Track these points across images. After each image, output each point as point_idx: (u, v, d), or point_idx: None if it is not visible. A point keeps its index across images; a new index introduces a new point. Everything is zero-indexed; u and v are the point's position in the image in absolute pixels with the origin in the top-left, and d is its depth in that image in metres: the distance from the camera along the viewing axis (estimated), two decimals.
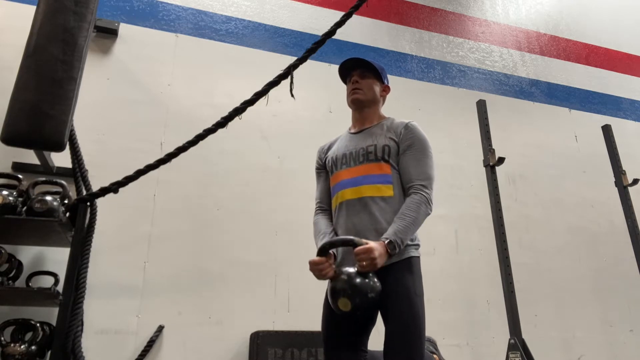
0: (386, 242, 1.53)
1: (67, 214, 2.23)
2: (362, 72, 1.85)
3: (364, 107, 1.84)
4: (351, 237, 1.56)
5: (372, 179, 1.69)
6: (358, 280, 1.48)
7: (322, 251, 1.58)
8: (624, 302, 3.79)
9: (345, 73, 1.91)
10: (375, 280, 1.50)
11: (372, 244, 1.50)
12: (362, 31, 3.99)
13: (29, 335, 2.14)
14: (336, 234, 1.74)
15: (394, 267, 1.59)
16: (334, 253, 1.66)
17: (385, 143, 1.72)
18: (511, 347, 2.71)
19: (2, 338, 2.11)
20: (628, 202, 3.46)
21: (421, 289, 1.60)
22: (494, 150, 3.20)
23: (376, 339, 1.65)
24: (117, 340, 2.53)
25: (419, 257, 1.67)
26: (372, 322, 1.68)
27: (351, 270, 1.51)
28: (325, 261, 1.57)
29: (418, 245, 1.68)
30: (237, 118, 2.28)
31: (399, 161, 1.71)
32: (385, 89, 1.91)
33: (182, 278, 2.78)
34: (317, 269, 1.57)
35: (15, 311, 2.32)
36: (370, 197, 1.67)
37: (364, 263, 1.48)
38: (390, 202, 1.67)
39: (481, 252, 3.52)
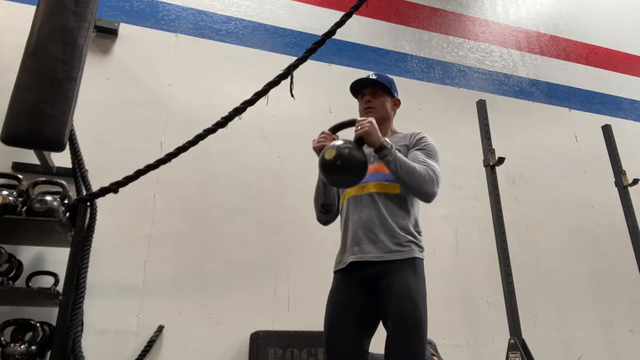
0: (384, 139, 1.64)
1: (67, 214, 2.23)
2: (374, 90, 1.90)
3: (377, 124, 1.89)
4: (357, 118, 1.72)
5: (380, 177, 1.74)
6: (349, 141, 1.63)
7: (332, 130, 1.77)
8: (624, 302, 3.79)
9: (357, 89, 1.95)
10: (364, 152, 1.63)
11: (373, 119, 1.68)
12: (362, 31, 3.99)
13: (29, 335, 2.14)
14: (343, 230, 1.79)
15: (398, 266, 1.60)
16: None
17: (396, 148, 1.76)
18: (511, 347, 2.71)
19: (2, 338, 2.11)
20: (628, 202, 3.46)
21: (424, 291, 1.61)
22: (494, 150, 3.20)
23: (377, 340, 1.65)
24: (117, 340, 2.53)
25: (422, 259, 1.69)
26: (375, 325, 1.68)
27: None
28: (330, 134, 1.75)
29: (422, 248, 1.71)
30: (237, 118, 2.28)
31: (408, 155, 1.76)
32: (396, 103, 1.97)
33: (182, 278, 2.78)
34: (320, 136, 1.75)
35: (15, 311, 2.32)
36: (377, 192, 1.72)
37: (359, 126, 1.64)
38: (396, 199, 1.72)
39: (481, 252, 3.52)
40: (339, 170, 1.60)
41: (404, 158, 1.66)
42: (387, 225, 1.66)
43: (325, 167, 1.60)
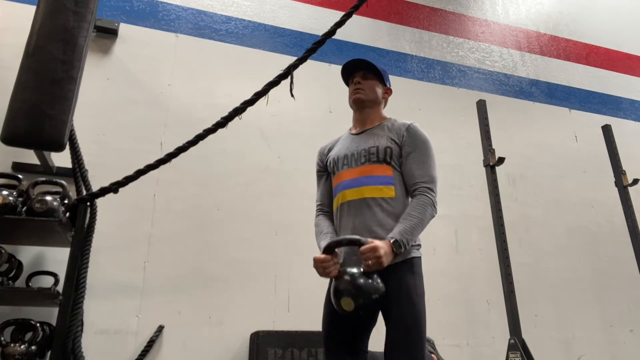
0: (392, 241, 1.53)
1: (67, 214, 2.23)
2: (365, 74, 1.86)
3: (365, 107, 1.85)
4: (357, 237, 1.55)
5: (374, 180, 1.70)
6: (362, 280, 1.48)
7: (328, 249, 1.59)
8: (624, 302, 3.79)
9: (348, 74, 1.92)
10: (379, 281, 1.50)
11: (377, 242, 1.50)
12: (362, 31, 3.99)
13: (29, 335, 2.14)
14: (337, 235, 1.74)
15: (396, 267, 1.59)
16: (337, 252, 1.67)
17: (387, 145, 1.72)
18: (511, 347, 2.71)
19: (2, 338, 2.11)
20: (628, 202, 3.46)
21: (422, 290, 1.60)
22: (494, 150, 3.20)
23: (377, 339, 1.65)
24: (117, 340, 2.53)
25: (420, 257, 1.67)
26: (373, 323, 1.68)
27: (355, 270, 1.51)
28: (330, 259, 1.58)
29: (419, 245, 1.69)
30: (237, 118, 2.28)
31: (402, 164, 1.71)
32: (387, 92, 1.92)
33: (182, 278, 2.78)
34: (321, 267, 1.57)
35: (15, 311, 2.32)
36: (372, 198, 1.68)
37: (370, 262, 1.48)
38: (392, 203, 1.67)
39: (481, 252, 3.52)
40: (363, 316, 1.56)
41: (410, 228, 1.57)
42: (381, 234, 1.61)
43: (349, 316, 1.53)
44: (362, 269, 1.51)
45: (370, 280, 1.48)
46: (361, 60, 1.86)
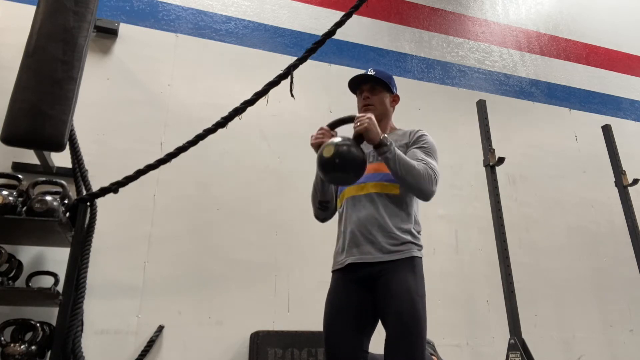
0: (383, 136, 1.62)
1: (67, 214, 2.23)
2: (372, 86, 1.88)
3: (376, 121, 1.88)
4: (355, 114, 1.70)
5: (379, 177, 1.73)
6: (347, 138, 1.61)
7: (330, 126, 1.76)
8: (624, 302, 3.79)
9: (355, 85, 1.93)
10: (362, 149, 1.60)
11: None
12: (362, 31, 3.99)
13: (29, 335, 2.14)
14: (341, 230, 1.77)
15: (396, 265, 1.60)
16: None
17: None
18: (511, 347, 2.71)
19: (2, 338, 2.11)
20: (628, 202, 3.46)
21: (423, 290, 1.61)
22: (494, 150, 3.20)
23: (377, 341, 1.65)
24: (117, 340, 2.53)
25: (421, 258, 1.68)
26: (374, 324, 1.68)
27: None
28: (328, 130, 1.75)
29: (421, 246, 1.70)
30: (237, 118, 2.28)
31: (407, 152, 1.74)
32: (395, 99, 1.95)
33: (182, 278, 2.78)
34: (318, 132, 1.74)
35: (15, 311, 2.32)
36: (376, 193, 1.71)
37: (358, 122, 1.62)
38: (395, 200, 1.70)
39: (481, 252, 3.52)
40: (338, 169, 1.56)
41: (403, 155, 1.63)
42: (385, 226, 1.65)
43: (324, 165, 1.58)
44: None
45: (354, 143, 1.59)
46: (368, 75, 1.88)
